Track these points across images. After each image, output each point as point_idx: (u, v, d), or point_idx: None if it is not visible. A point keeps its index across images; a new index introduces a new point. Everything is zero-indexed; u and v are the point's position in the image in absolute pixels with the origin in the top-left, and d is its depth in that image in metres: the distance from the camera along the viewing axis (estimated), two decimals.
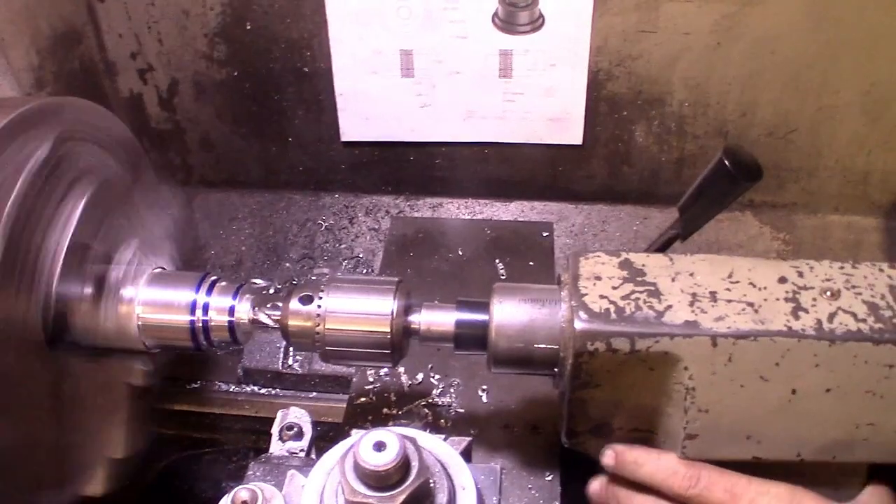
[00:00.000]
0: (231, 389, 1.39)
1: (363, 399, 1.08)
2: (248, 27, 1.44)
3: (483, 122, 1.49)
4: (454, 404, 1.07)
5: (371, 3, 1.37)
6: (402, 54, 1.42)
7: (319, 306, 0.88)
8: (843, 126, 1.43)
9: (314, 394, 1.37)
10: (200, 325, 0.96)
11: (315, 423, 0.92)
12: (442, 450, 0.75)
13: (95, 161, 1.01)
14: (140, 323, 0.96)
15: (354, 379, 1.11)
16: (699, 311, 0.79)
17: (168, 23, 1.45)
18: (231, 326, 0.96)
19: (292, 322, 0.89)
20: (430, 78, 1.44)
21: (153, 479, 1.42)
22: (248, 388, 1.39)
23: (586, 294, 0.81)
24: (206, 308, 0.96)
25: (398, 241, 1.37)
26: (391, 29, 1.40)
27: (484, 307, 0.86)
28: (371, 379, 1.10)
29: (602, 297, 0.81)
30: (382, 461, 0.64)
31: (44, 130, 0.90)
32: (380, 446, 0.65)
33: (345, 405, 1.09)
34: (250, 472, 0.83)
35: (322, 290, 0.89)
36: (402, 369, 1.11)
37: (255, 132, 1.57)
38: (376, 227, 1.57)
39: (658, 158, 1.50)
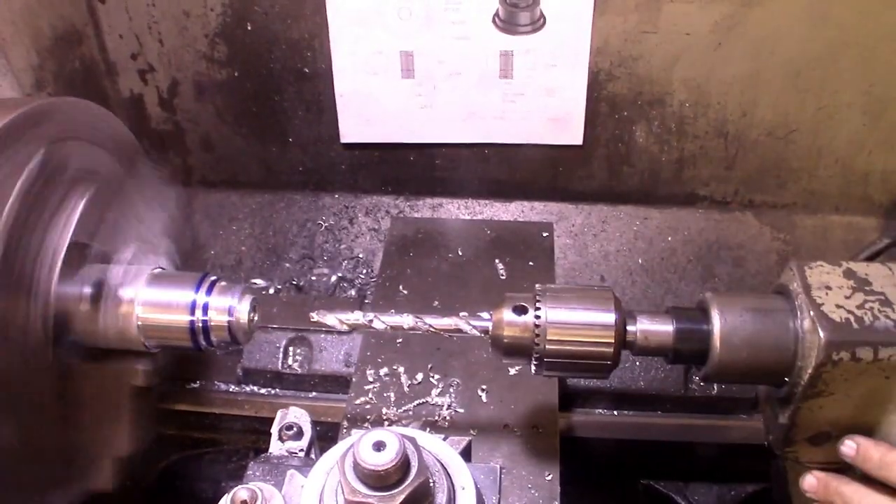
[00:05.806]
0: (231, 389, 1.39)
1: (363, 399, 1.08)
2: (249, 28, 1.44)
3: (483, 123, 1.49)
4: (454, 404, 1.07)
5: (371, 4, 1.37)
6: (402, 55, 1.42)
7: (538, 317, 0.85)
8: (843, 126, 1.43)
9: (314, 394, 1.37)
10: (200, 325, 0.96)
11: (314, 423, 0.91)
12: (441, 450, 0.75)
13: (92, 160, 1.01)
14: (140, 323, 0.96)
15: (354, 379, 1.11)
16: None
17: (169, 23, 1.45)
18: (231, 326, 0.96)
19: (507, 333, 0.86)
20: (430, 79, 1.44)
21: (153, 479, 1.42)
22: (248, 388, 1.39)
23: (823, 304, 0.81)
24: (205, 308, 0.96)
25: (398, 241, 1.37)
26: (391, 30, 1.40)
27: (700, 317, 0.85)
28: (371, 379, 1.10)
29: (838, 306, 0.81)
30: (382, 461, 0.64)
31: (38, 133, 0.90)
32: (379, 446, 0.65)
33: (344, 405, 1.09)
34: (250, 472, 0.83)
35: (538, 301, 0.86)
36: (401, 369, 1.11)
37: (255, 133, 1.57)
38: (376, 227, 1.57)
39: (658, 158, 1.50)
